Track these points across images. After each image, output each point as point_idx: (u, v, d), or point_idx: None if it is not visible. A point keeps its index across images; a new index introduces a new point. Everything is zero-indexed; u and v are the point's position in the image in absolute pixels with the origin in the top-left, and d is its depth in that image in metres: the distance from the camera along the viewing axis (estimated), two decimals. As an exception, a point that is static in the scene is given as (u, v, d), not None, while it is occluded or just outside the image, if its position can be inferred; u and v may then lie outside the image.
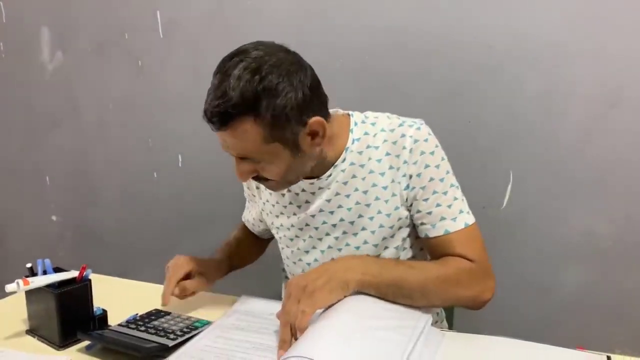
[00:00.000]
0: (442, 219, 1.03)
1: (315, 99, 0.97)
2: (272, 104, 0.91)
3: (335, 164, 1.06)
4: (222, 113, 0.91)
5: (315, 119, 0.96)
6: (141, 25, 1.89)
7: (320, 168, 1.06)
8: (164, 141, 1.96)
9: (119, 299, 1.20)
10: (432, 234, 1.04)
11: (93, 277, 1.07)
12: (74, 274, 1.05)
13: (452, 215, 1.03)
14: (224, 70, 0.92)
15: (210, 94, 0.93)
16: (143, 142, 1.99)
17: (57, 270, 1.06)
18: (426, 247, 1.09)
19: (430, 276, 0.97)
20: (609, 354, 0.85)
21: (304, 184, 1.09)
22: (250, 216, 1.34)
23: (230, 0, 1.75)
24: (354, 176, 1.06)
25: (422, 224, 1.05)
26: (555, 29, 1.41)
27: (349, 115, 1.11)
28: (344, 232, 1.09)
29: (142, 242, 2.07)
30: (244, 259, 1.34)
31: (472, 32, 1.48)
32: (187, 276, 1.14)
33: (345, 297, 0.92)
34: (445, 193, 1.03)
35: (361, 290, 0.93)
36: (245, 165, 0.99)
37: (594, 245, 1.48)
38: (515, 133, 1.49)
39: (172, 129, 1.93)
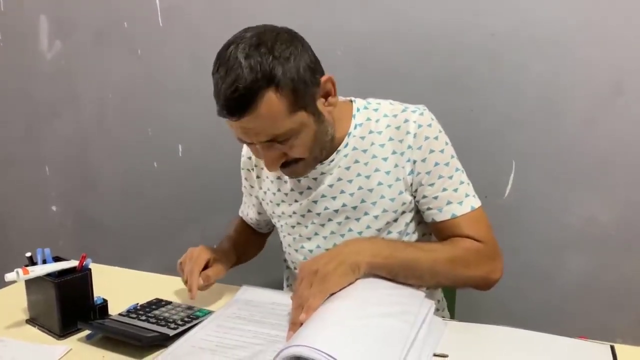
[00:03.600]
0: (449, 203, 1.03)
1: (318, 61, 0.98)
2: (287, 69, 0.90)
3: (338, 149, 1.07)
4: (242, 96, 0.89)
5: (326, 76, 0.98)
6: (140, 13, 1.88)
7: (324, 153, 1.06)
8: (163, 131, 1.95)
9: (120, 288, 1.19)
10: (439, 218, 1.04)
11: (93, 266, 1.07)
12: (73, 263, 1.05)
13: (458, 199, 1.04)
14: (225, 60, 0.91)
15: (220, 89, 0.91)
16: (143, 131, 1.98)
17: (56, 259, 1.06)
18: (433, 231, 1.10)
19: (439, 257, 0.97)
20: (612, 344, 0.84)
21: None
22: (250, 210, 1.33)
23: (229, -12, 1.73)
24: (356, 161, 1.07)
25: (428, 208, 1.06)
26: (558, 15, 1.40)
27: (351, 101, 1.12)
28: (347, 218, 1.09)
29: (142, 232, 2.07)
30: (246, 253, 1.34)
31: (474, 19, 1.47)
32: (206, 265, 1.13)
33: (356, 279, 0.91)
34: (450, 177, 1.04)
35: (372, 272, 0.93)
36: (274, 151, 0.98)
37: (597, 233, 1.48)
38: (517, 121, 1.49)
39: (172, 118, 1.92)
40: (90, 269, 1.05)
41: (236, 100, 0.89)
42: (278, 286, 1.35)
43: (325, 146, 1.04)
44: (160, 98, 1.92)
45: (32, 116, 2.18)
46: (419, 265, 0.95)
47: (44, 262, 1.04)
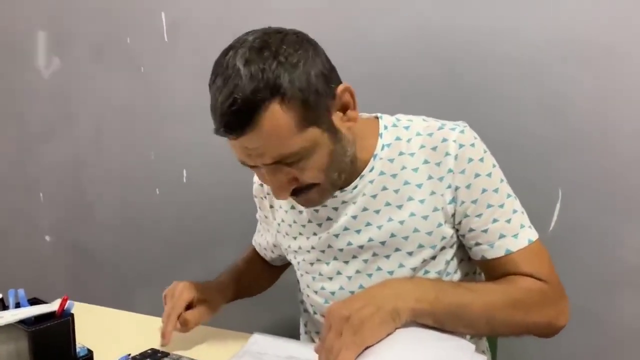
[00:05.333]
0: (502, 236, 0.91)
1: (334, 68, 0.87)
2: (295, 78, 0.79)
3: (362, 173, 0.95)
4: (240, 111, 0.77)
5: (343, 85, 0.87)
6: (144, 28, 1.81)
7: (345, 178, 0.94)
8: (167, 155, 1.87)
9: (110, 334, 1.08)
10: (491, 255, 0.92)
11: (80, 307, 0.99)
12: (53, 307, 0.91)
13: (512, 231, 0.92)
14: (222, 69, 0.80)
15: (216, 102, 0.80)
16: (145, 155, 1.90)
17: (33, 302, 0.93)
18: (483, 270, 0.98)
19: (496, 300, 0.86)
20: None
21: None
22: (262, 240, 1.21)
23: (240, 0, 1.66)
24: (384, 188, 0.95)
25: (477, 244, 0.93)
26: (611, 21, 1.28)
27: (376, 117, 0.99)
28: (374, 254, 0.96)
29: (142, 266, 1.98)
30: (253, 287, 1.23)
31: (508, 25, 1.36)
32: (189, 306, 1.03)
33: (395, 329, 0.80)
34: (501, 206, 0.92)
35: (415, 320, 0.82)
36: (283, 176, 0.86)
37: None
38: (563, 143, 1.36)
39: (177, 141, 1.84)
40: (72, 315, 0.91)
41: (235, 115, 0.78)
42: (292, 330, 1.23)
43: (345, 169, 0.91)
44: (164, 119, 1.85)
45: (25, 138, 2.12)
46: (471, 310, 0.83)
47: (18, 305, 0.92)
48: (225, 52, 0.83)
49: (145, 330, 1.07)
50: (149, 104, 1.87)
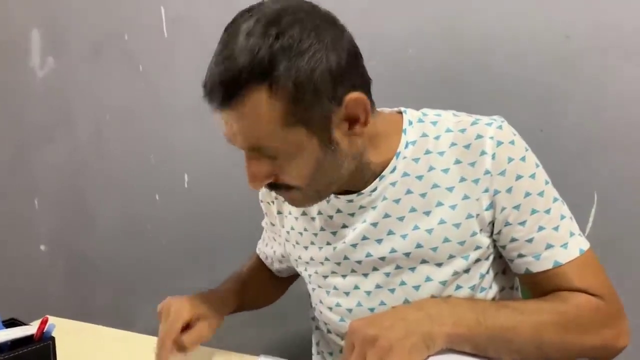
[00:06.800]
0: (549, 246, 0.82)
1: (354, 70, 0.76)
2: (294, 67, 0.71)
3: (382, 174, 0.85)
4: (226, 82, 0.71)
5: (355, 95, 0.76)
6: (143, 23, 1.76)
7: (360, 179, 0.85)
8: (168, 158, 1.82)
9: (103, 356, 0.99)
10: (537, 268, 0.82)
11: (70, 325, 0.95)
12: (30, 330, 0.81)
13: (561, 240, 0.82)
14: (230, 30, 0.74)
15: (210, 65, 0.75)
16: (144, 159, 1.85)
17: (10, 324, 0.84)
18: (527, 285, 0.88)
19: (546, 321, 0.77)
20: None
21: (339, 202, 0.87)
22: (268, 249, 1.12)
23: (245, -7, 1.59)
24: (409, 192, 0.84)
25: (520, 255, 0.83)
26: None
27: (400, 112, 0.89)
28: (398, 267, 0.87)
29: (142, 276, 1.92)
30: (258, 299, 1.14)
31: (544, 16, 1.27)
32: (186, 326, 0.91)
33: (429, 357, 0.73)
34: (548, 211, 0.82)
35: (451, 347, 0.75)
36: (258, 164, 0.78)
37: None
38: (599, 143, 1.27)
39: (178, 143, 1.79)
40: (52, 338, 0.82)
41: (219, 86, 0.73)
42: (303, 351, 1.16)
43: (337, 181, 0.82)
44: (165, 120, 1.80)
45: (20, 142, 2.09)
46: (518, 334, 0.75)
47: (-8, 328, 0.82)
48: (242, 13, 0.76)
49: (140, 352, 0.98)
50: (149, 104, 1.82)
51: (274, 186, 0.81)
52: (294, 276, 1.16)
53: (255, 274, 1.14)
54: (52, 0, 1.90)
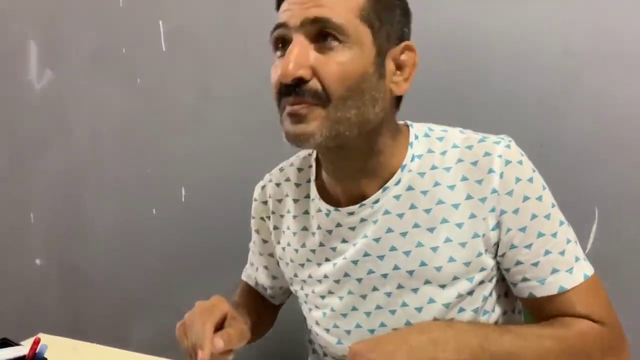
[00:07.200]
0: (554, 271, 0.80)
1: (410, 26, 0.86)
2: None
3: (386, 185, 0.82)
4: None
5: (412, 44, 0.82)
6: (141, 37, 1.75)
7: (370, 173, 0.83)
8: (165, 172, 1.80)
9: None
10: (541, 292, 0.81)
11: (64, 343, 0.93)
12: (22, 350, 0.80)
13: (567, 265, 0.81)
14: None
15: None
16: (141, 172, 1.83)
17: (1, 344, 0.82)
18: (529, 309, 0.87)
19: (550, 348, 0.77)
20: None
21: (339, 214, 0.85)
22: (259, 274, 1.07)
23: (245, 6, 1.58)
24: (413, 206, 0.82)
25: (524, 279, 0.82)
26: None
27: (406, 125, 0.88)
28: (400, 287, 0.84)
29: (138, 291, 1.90)
30: (259, 328, 1.07)
31: (544, 30, 1.27)
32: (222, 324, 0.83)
33: None
34: (554, 235, 0.81)
35: None
36: (305, 49, 0.75)
37: None
38: (600, 159, 1.26)
39: (175, 157, 1.77)
40: (45, 359, 0.80)
41: None
42: None
43: (365, 116, 0.77)
44: (162, 134, 1.78)
45: (16, 154, 2.06)
46: None
47: (-18, 349, 0.81)
48: None
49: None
50: (146, 118, 1.80)
51: (298, 92, 0.75)
52: (282, 304, 1.12)
53: (250, 302, 1.08)
54: (50, 12, 1.90)
